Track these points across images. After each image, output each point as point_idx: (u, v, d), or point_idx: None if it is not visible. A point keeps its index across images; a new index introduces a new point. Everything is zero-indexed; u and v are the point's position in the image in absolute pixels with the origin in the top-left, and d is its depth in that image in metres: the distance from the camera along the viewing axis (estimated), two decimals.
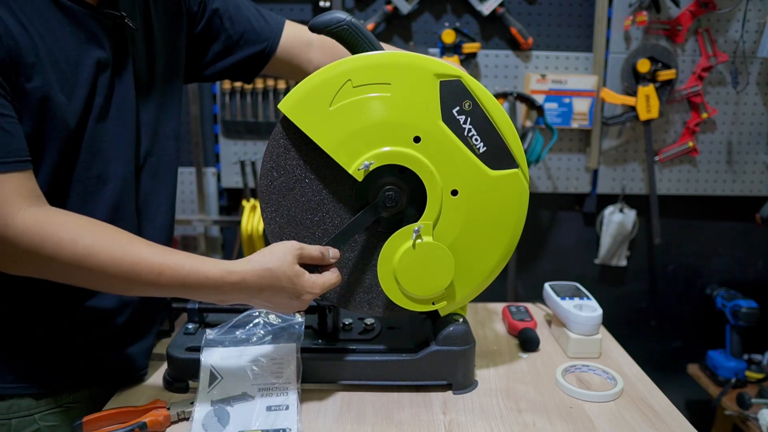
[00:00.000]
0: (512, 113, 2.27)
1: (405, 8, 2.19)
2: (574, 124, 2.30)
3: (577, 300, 1.21)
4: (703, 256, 2.53)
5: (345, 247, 1.00)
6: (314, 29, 0.97)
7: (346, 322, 1.14)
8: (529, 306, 1.40)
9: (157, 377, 1.08)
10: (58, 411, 0.98)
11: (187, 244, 2.47)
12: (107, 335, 1.02)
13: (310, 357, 1.03)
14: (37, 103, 0.85)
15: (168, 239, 1.12)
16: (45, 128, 0.87)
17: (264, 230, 2.06)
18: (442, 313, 1.05)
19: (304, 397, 1.01)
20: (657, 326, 2.60)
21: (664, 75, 2.22)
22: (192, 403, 0.94)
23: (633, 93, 2.25)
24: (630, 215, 2.40)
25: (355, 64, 0.93)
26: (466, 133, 0.95)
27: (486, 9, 2.21)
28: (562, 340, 1.22)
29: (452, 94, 0.94)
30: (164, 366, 1.07)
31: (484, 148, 0.96)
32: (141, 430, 0.90)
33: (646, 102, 2.23)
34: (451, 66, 0.95)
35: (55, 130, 0.88)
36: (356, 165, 0.94)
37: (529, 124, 2.29)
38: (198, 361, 0.98)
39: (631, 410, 1.01)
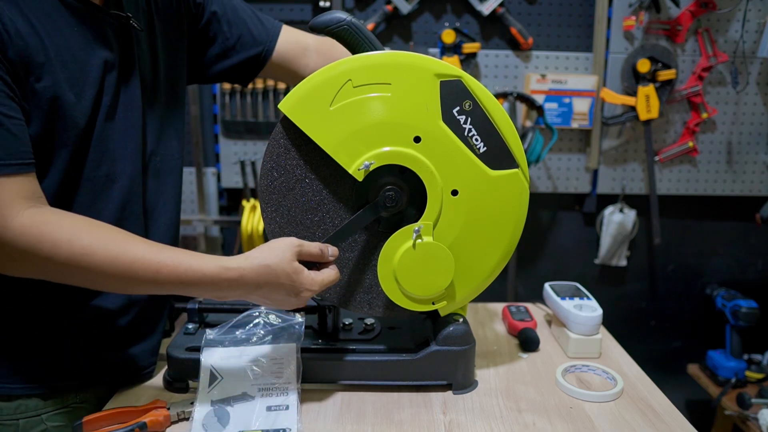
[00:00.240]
0: (512, 113, 2.27)
1: (405, 8, 2.19)
2: (574, 124, 2.30)
3: (577, 300, 1.21)
4: (703, 256, 2.53)
5: (344, 245, 1.00)
6: (314, 29, 0.97)
7: (346, 322, 1.14)
8: (529, 306, 1.40)
9: (157, 377, 1.08)
10: (65, 411, 0.99)
11: (187, 244, 2.47)
12: (112, 335, 1.02)
13: (310, 357, 1.03)
14: (47, 103, 0.85)
15: (174, 238, 1.12)
16: (55, 128, 0.87)
17: (264, 230, 2.06)
18: (442, 313, 1.05)
19: (304, 397, 1.01)
20: (657, 326, 2.60)
21: (664, 75, 2.22)
22: (192, 403, 0.94)
23: (633, 93, 2.25)
24: (630, 215, 2.40)
25: (355, 64, 0.93)
26: (466, 133, 0.95)
27: (486, 9, 2.21)
28: (562, 340, 1.22)
29: (452, 94, 0.94)
30: (164, 366, 1.07)
31: (485, 148, 0.96)
32: (141, 430, 0.90)
33: (646, 102, 2.23)
34: (452, 66, 0.95)
35: (65, 129, 0.88)
36: (356, 165, 0.94)
37: (529, 124, 2.29)
38: (198, 361, 0.98)
39: (631, 410, 1.01)
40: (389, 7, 2.19)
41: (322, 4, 2.21)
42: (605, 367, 1.12)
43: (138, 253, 0.84)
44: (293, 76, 1.22)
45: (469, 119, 0.95)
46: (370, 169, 0.94)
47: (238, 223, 2.29)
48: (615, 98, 2.25)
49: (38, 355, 0.96)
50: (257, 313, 1.05)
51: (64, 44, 0.87)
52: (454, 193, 0.97)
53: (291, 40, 1.21)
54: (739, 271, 2.55)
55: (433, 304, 1.01)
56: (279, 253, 0.89)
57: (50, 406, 0.97)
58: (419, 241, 0.95)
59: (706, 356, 2.36)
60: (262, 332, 1.02)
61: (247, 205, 2.30)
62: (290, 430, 0.91)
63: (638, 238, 2.48)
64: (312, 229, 1.00)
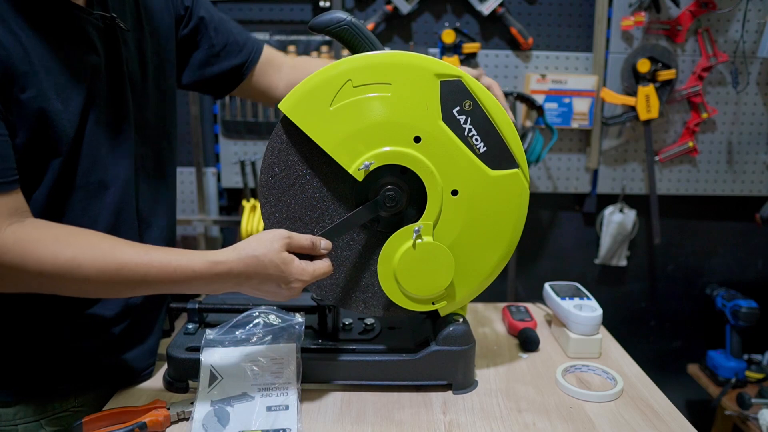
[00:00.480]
0: (512, 113, 2.27)
1: (405, 8, 2.19)
2: (574, 124, 2.30)
3: (577, 300, 1.21)
4: (703, 256, 2.53)
5: (343, 244, 1.00)
6: (315, 29, 0.97)
7: (346, 322, 1.14)
8: (529, 306, 1.40)
9: (157, 377, 1.08)
10: (64, 415, 0.98)
11: (187, 244, 2.47)
12: (109, 341, 1.01)
13: (310, 357, 1.03)
14: (34, 114, 0.83)
15: (171, 240, 1.12)
16: (43, 138, 0.85)
17: (264, 228, 2.06)
18: (442, 313, 1.05)
19: (304, 397, 1.01)
20: (657, 326, 2.60)
21: (664, 75, 2.22)
22: (192, 403, 0.94)
23: (633, 93, 2.25)
24: (630, 215, 2.40)
25: (355, 63, 0.93)
26: (466, 133, 0.95)
27: (486, 9, 2.21)
28: (562, 340, 1.22)
29: (452, 94, 0.94)
30: (164, 366, 1.07)
31: (485, 148, 0.96)
32: (141, 430, 0.90)
33: (646, 102, 2.23)
34: (452, 66, 0.95)
35: (53, 139, 0.86)
36: (356, 165, 0.94)
37: (529, 124, 2.29)
38: (198, 361, 0.98)
39: (631, 410, 1.01)
40: (389, 7, 2.19)
41: (322, 4, 2.21)
42: (605, 367, 1.12)
43: (125, 258, 0.83)
44: (264, 94, 1.22)
45: (469, 119, 0.95)
46: (370, 169, 0.94)
47: (238, 223, 2.29)
48: (615, 98, 2.25)
49: (37, 362, 0.96)
50: (257, 313, 1.05)
51: (48, 50, 0.85)
52: (454, 193, 0.97)
53: (271, 56, 1.22)
54: (739, 271, 2.55)
55: (433, 304, 1.01)
56: (267, 243, 0.88)
57: (49, 411, 0.97)
58: (419, 241, 0.95)
59: (706, 356, 2.36)
60: (261, 332, 1.02)
61: (247, 205, 2.30)
62: (290, 430, 0.91)
63: (638, 238, 2.48)
64: (311, 226, 1.00)
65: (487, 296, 1.17)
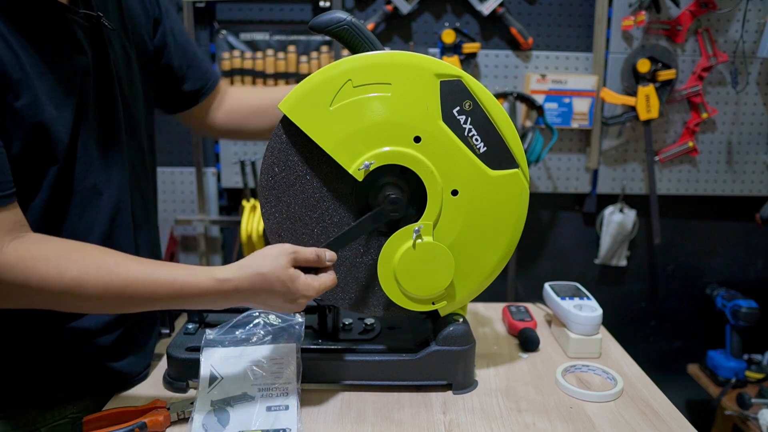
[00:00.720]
0: (512, 113, 2.27)
1: (405, 8, 2.19)
2: (574, 124, 2.30)
3: (577, 300, 1.21)
4: (703, 256, 2.53)
5: (343, 250, 1.00)
6: (315, 29, 0.97)
7: (346, 322, 1.14)
8: (529, 306, 1.40)
9: (157, 377, 1.08)
10: (63, 422, 0.98)
11: (187, 244, 2.47)
12: (107, 345, 1.01)
13: (310, 357, 1.03)
14: (29, 122, 0.82)
15: (157, 240, 1.13)
16: (40, 146, 0.84)
17: (264, 229, 2.06)
18: (442, 313, 1.05)
19: (304, 397, 1.01)
20: (657, 326, 2.60)
21: (664, 75, 2.22)
22: (192, 403, 0.94)
23: (633, 93, 2.25)
24: (630, 215, 2.40)
25: (355, 63, 0.93)
26: (466, 133, 0.95)
27: (486, 9, 2.21)
28: (562, 340, 1.22)
29: (452, 94, 0.94)
30: (164, 366, 1.07)
31: (485, 148, 0.96)
32: (141, 430, 0.90)
33: (646, 102, 2.23)
34: (452, 66, 0.95)
35: (49, 146, 0.85)
36: (356, 165, 0.94)
37: (529, 124, 2.29)
38: (198, 361, 0.98)
39: (631, 410, 1.01)
40: (389, 7, 2.19)
41: (322, 4, 2.21)
42: (605, 367, 1.12)
43: (130, 275, 0.82)
44: (207, 121, 1.22)
45: (469, 119, 0.95)
46: (370, 169, 0.94)
47: (238, 223, 2.29)
48: (615, 98, 2.25)
49: (32, 371, 0.95)
50: (257, 314, 1.05)
51: (38, 55, 0.83)
52: (454, 193, 0.97)
53: (220, 86, 1.22)
54: (739, 271, 2.55)
55: (433, 304, 1.01)
56: (273, 260, 0.88)
57: (48, 420, 0.97)
58: (419, 241, 0.95)
59: (706, 356, 2.36)
60: (261, 332, 1.02)
61: (247, 205, 2.30)
62: (290, 430, 0.91)
63: (638, 238, 2.48)
64: (310, 226, 1.00)
65: (487, 296, 1.17)
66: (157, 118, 1.17)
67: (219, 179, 2.39)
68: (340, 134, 0.94)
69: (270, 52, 2.23)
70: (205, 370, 0.97)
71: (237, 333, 1.02)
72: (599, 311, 1.18)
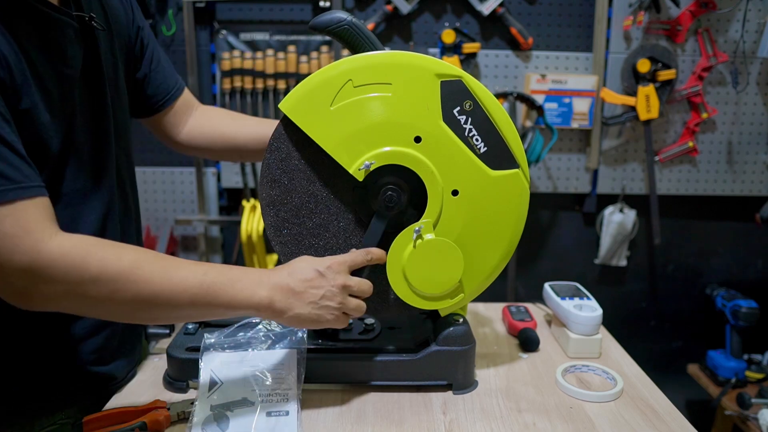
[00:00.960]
0: (512, 113, 2.27)
1: (405, 8, 2.19)
2: (574, 124, 2.30)
3: (577, 300, 1.21)
4: (703, 256, 2.53)
5: (341, 243, 1.00)
6: (315, 29, 0.97)
7: None
8: (529, 306, 1.40)
9: (157, 377, 1.08)
10: (53, 429, 0.97)
11: (187, 244, 2.47)
12: (91, 352, 1.00)
13: (310, 357, 1.03)
14: (27, 126, 0.81)
15: (140, 241, 1.12)
16: (33, 150, 0.82)
17: (264, 229, 2.06)
18: (442, 314, 1.05)
19: (304, 397, 1.01)
20: (657, 326, 2.61)
21: (664, 75, 2.23)
22: (192, 403, 0.94)
23: (633, 93, 2.25)
24: (630, 215, 2.40)
25: (355, 63, 0.93)
26: (466, 133, 0.95)
27: (486, 9, 2.21)
28: (562, 340, 1.22)
29: (453, 94, 0.94)
30: (163, 366, 1.07)
31: (485, 149, 0.96)
32: (141, 430, 0.90)
33: (646, 102, 2.23)
34: (452, 66, 0.95)
35: (42, 149, 0.84)
36: (357, 165, 0.94)
37: (529, 124, 2.29)
38: (198, 361, 0.98)
39: (631, 410, 1.01)
40: (389, 7, 2.19)
41: (322, 4, 2.21)
42: (605, 367, 1.12)
43: (183, 263, 0.83)
44: (169, 131, 1.20)
45: (470, 119, 0.95)
46: (371, 169, 0.94)
47: (238, 223, 2.29)
48: (615, 98, 2.25)
49: (18, 380, 0.94)
50: (258, 320, 1.06)
51: (36, 57, 0.82)
52: (455, 193, 0.97)
53: (187, 99, 1.21)
54: (739, 271, 2.55)
55: (450, 299, 1.01)
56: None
57: (37, 427, 0.96)
58: (420, 240, 0.95)
59: (706, 356, 2.36)
60: (263, 337, 1.02)
61: (247, 205, 2.30)
62: None
63: (638, 238, 2.48)
64: (311, 226, 0.99)
65: (487, 296, 1.17)
66: None
67: (219, 179, 2.39)
68: (340, 134, 0.94)
69: (270, 52, 2.23)
70: (205, 375, 0.96)
71: (238, 337, 1.02)
72: (599, 311, 1.18)
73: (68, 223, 0.90)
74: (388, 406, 1.00)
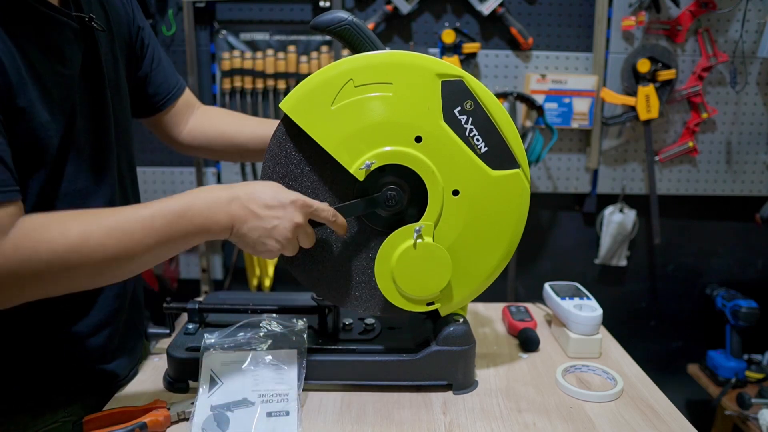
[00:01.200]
0: (512, 113, 2.27)
1: (405, 8, 2.19)
2: (574, 124, 2.30)
3: (577, 300, 1.21)
4: (703, 256, 2.53)
5: (343, 243, 1.00)
6: (316, 28, 0.97)
7: (346, 323, 1.14)
8: (529, 306, 1.40)
9: (157, 377, 1.08)
10: (55, 426, 0.97)
11: None
12: (94, 350, 1.00)
13: (311, 357, 1.03)
14: (24, 125, 0.81)
15: None
16: (30, 150, 0.83)
17: None
18: (442, 314, 1.05)
19: (304, 397, 1.01)
20: (657, 326, 2.61)
21: (664, 75, 2.23)
22: (192, 403, 0.94)
23: (633, 93, 2.25)
24: (630, 215, 2.40)
25: (356, 63, 0.93)
26: (467, 133, 0.95)
27: (486, 9, 2.21)
28: (562, 340, 1.22)
29: (454, 94, 0.94)
30: (164, 366, 1.07)
31: (486, 149, 0.96)
32: (141, 430, 0.90)
33: (646, 102, 2.23)
34: (453, 66, 0.95)
35: (39, 150, 0.84)
36: (357, 164, 0.94)
37: (529, 124, 2.29)
38: (198, 361, 0.98)
39: (631, 410, 1.01)
40: (389, 7, 2.19)
41: (322, 4, 2.21)
42: (605, 367, 1.12)
43: (127, 213, 0.83)
44: (171, 131, 1.21)
45: (471, 119, 0.95)
46: (371, 168, 0.94)
47: None
48: (615, 98, 2.25)
49: (21, 377, 0.94)
50: (259, 320, 1.05)
51: (35, 56, 0.82)
52: (455, 193, 0.97)
53: (188, 99, 1.21)
54: (739, 271, 2.55)
55: (430, 304, 1.00)
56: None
57: (40, 424, 0.96)
58: (419, 241, 0.95)
59: (706, 356, 2.36)
60: (263, 337, 1.02)
61: None
62: None
63: (638, 238, 2.48)
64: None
65: (487, 296, 1.17)
66: None
67: (219, 179, 2.39)
68: (341, 134, 0.94)
69: (270, 52, 2.23)
70: (205, 375, 0.97)
71: (238, 338, 1.02)
72: (599, 311, 1.18)
73: None
74: (388, 406, 1.00)
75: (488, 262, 1.01)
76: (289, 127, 0.96)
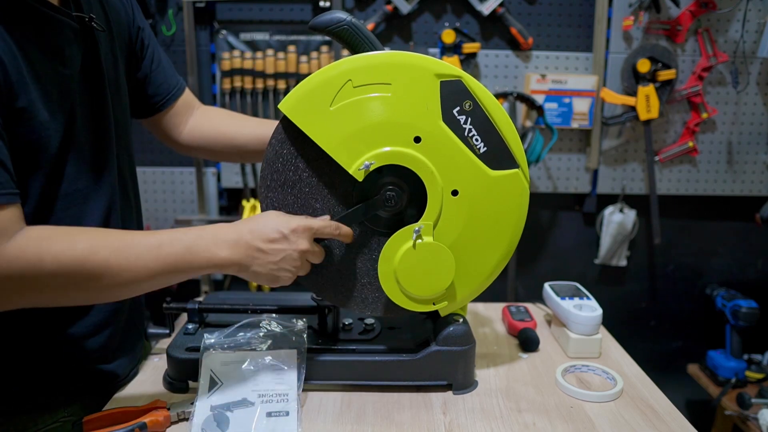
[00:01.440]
0: (512, 113, 2.27)
1: (405, 8, 2.19)
2: (574, 124, 2.30)
3: (577, 300, 1.21)
4: (703, 256, 2.53)
5: (344, 245, 1.00)
6: (315, 29, 0.97)
7: (346, 323, 1.14)
8: (529, 306, 1.40)
9: (157, 377, 1.08)
10: (55, 427, 0.97)
11: None
12: (94, 350, 1.00)
13: (311, 357, 1.03)
14: (24, 125, 0.81)
15: None
16: (30, 150, 0.83)
17: None
18: (442, 314, 1.05)
19: (304, 397, 1.01)
20: (657, 326, 2.61)
21: (664, 75, 2.22)
22: (192, 403, 0.94)
23: (633, 93, 2.25)
24: (630, 215, 2.40)
25: (355, 64, 0.93)
26: (466, 134, 0.95)
27: (486, 9, 2.21)
28: (562, 340, 1.22)
29: (453, 94, 0.94)
30: (164, 366, 1.07)
31: (485, 149, 0.96)
32: (141, 430, 0.90)
33: (646, 102, 2.23)
34: (452, 66, 0.95)
35: (39, 150, 0.84)
36: (356, 165, 0.94)
37: (529, 124, 2.29)
38: (198, 361, 0.98)
39: (631, 410, 1.01)
40: (389, 7, 2.19)
41: (322, 4, 2.21)
42: (605, 367, 1.12)
43: (135, 236, 0.85)
44: (170, 132, 1.21)
45: (470, 119, 0.95)
46: (371, 169, 0.94)
47: None
48: (615, 98, 2.25)
49: (21, 377, 0.94)
50: (259, 320, 1.05)
51: (35, 56, 0.82)
52: (455, 193, 0.97)
53: (188, 99, 1.21)
54: (739, 271, 2.55)
55: (434, 304, 1.01)
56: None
57: (40, 424, 0.96)
58: (419, 241, 0.95)
59: (706, 356, 2.36)
60: (263, 337, 1.02)
61: (247, 205, 2.30)
62: None
63: (638, 238, 2.48)
64: None
65: (487, 296, 1.17)
66: None
67: (219, 179, 2.39)
68: (340, 134, 0.94)
69: (270, 52, 2.23)
70: (205, 376, 0.97)
71: (238, 338, 1.02)
72: (599, 311, 1.18)
73: (71, 223, 0.91)
74: (388, 406, 1.00)
75: (488, 262, 1.01)
76: (288, 127, 0.96)
